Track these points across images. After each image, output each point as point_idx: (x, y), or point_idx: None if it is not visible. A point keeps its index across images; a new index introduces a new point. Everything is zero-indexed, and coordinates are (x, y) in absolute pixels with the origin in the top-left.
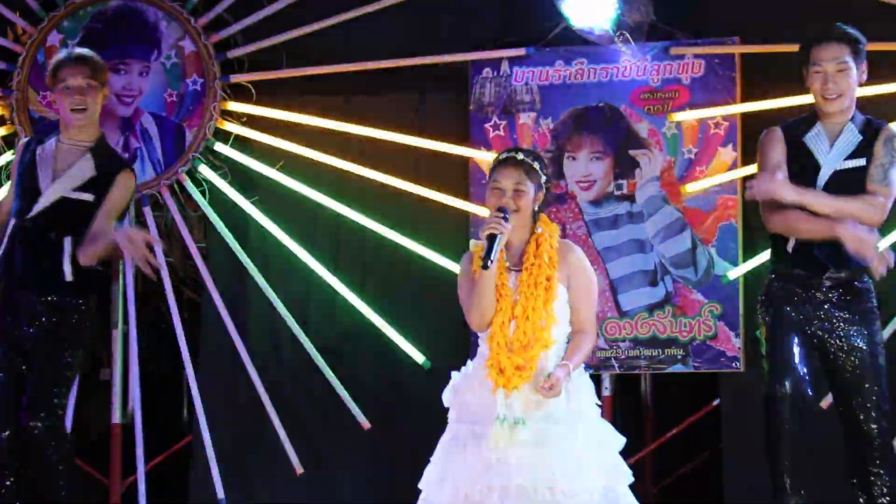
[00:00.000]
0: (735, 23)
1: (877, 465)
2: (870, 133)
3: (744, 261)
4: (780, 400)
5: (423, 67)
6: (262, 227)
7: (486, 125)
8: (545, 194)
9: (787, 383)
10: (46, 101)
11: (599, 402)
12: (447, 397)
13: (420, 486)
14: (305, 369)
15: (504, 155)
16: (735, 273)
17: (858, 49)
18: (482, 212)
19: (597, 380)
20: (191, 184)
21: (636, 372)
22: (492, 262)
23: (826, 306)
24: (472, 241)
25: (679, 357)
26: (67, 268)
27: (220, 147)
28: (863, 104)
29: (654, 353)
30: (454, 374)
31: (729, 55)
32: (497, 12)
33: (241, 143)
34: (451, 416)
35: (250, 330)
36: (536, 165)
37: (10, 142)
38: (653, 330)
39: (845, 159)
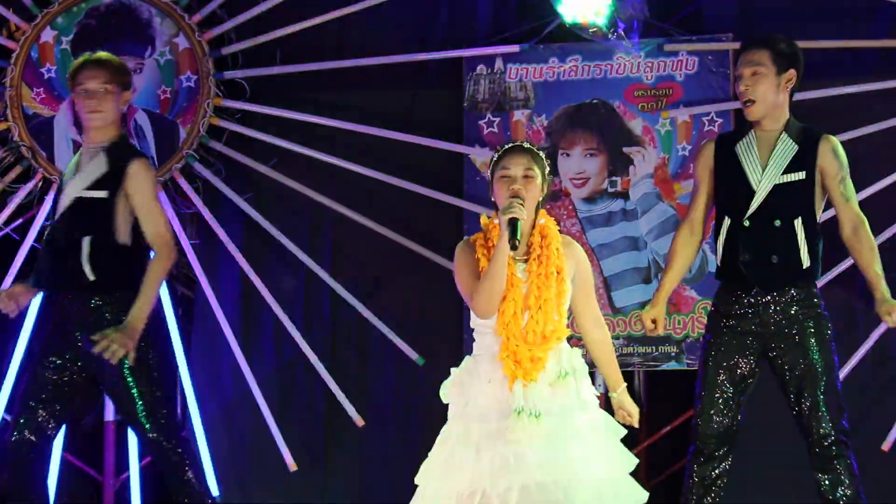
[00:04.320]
0: (729, 20)
1: (832, 462)
2: (809, 144)
3: None
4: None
5: (417, 64)
6: (256, 223)
7: (481, 122)
8: (547, 187)
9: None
10: (41, 98)
11: (597, 393)
12: (448, 393)
13: (417, 480)
14: (299, 366)
15: (509, 144)
16: None
17: (783, 56)
18: (476, 209)
19: (591, 377)
20: (185, 181)
21: (630, 369)
22: (518, 242)
23: (760, 312)
24: (483, 219)
25: (673, 354)
26: (87, 268)
27: (214, 144)
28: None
29: (647, 351)
30: (453, 370)
31: (723, 52)
32: (491, 9)
33: (236, 140)
34: (453, 412)
35: (243, 326)
36: (541, 154)
37: (3, 139)
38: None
39: (783, 173)
